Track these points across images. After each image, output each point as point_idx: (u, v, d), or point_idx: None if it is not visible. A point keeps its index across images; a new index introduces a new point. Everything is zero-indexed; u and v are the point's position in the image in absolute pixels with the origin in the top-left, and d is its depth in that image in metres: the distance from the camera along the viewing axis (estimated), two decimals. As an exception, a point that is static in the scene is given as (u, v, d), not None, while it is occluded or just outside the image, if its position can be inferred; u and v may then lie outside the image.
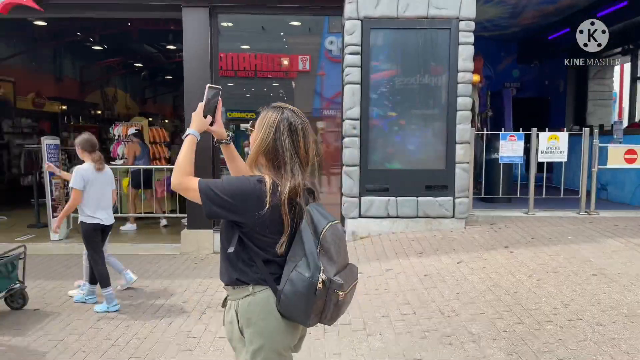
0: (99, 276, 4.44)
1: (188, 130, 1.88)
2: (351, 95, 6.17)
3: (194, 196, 1.76)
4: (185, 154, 1.83)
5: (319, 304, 1.71)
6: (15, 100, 13.85)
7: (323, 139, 7.06)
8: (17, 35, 12.97)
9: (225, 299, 1.88)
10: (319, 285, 1.68)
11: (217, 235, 6.40)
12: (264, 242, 1.75)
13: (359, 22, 6.12)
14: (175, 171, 1.81)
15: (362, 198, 6.28)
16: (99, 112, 18.33)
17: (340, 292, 1.73)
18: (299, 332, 1.87)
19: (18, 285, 4.48)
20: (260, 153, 1.79)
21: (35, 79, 15.05)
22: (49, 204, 6.98)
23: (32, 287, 5.06)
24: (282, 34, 7.05)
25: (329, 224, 1.76)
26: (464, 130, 6.23)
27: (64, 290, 4.97)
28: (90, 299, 4.64)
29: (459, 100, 6.19)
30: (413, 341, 3.55)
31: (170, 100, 23.28)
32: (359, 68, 6.16)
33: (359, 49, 6.14)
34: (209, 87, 1.93)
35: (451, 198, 6.27)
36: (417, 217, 6.27)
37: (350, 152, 6.23)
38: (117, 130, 8.66)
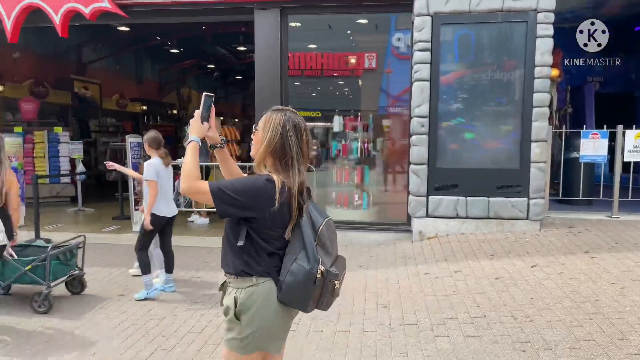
0: (140, 262, 4.68)
1: (190, 137, 2.00)
2: (420, 92, 6.08)
3: (206, 198, 1.86)
4: (191, 159, 1.94)
5: (317, 293, 1.90)
6: (101, 101, 14.95)
7: (389, 137, 7.01)
8: (103, 40, 13.98)
9: (224, 284, 2.04)
10: (318, 276, 1.86)
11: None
12: (269, 236, 1.89)
13: (429, 18, 6.01)
14: (184, 177, 1.90)
15: (430, 197, 6.16)
16: (175, 111, 19.36)
17: (336, 282, 1.93)
18: (292, 319, 2.04)
19: (77, 271, 4.83)
20: (268, 153, 1.92)
21: (119, 81, 16.16)
22: (132, 197, 7.49)
23: (116, 275, 5.47)
24: (348, 32, 7.06)
25: (325, 220, 1.96)
26: (541, 127, 5.93)
27: (144, 278, 5.32)
28: (169, 287, 4.93)
29: (536, 96, 5.91)
30: (483, 345, 3.46)
31: (240, 100, 24.06)
32: (429, 65, 6.05)
33: (428, 45, 6.03)
34: (205, 95, 2.05)
35: (525, 199, 5.99)
36: (487, 217, 6.06)
37: (418, 150, 6.13)
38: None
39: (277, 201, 1.84)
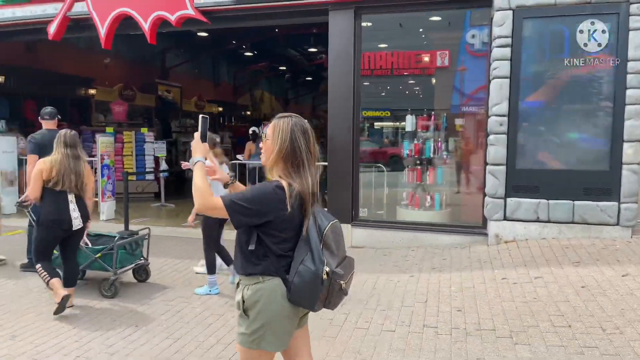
0: (207, 262, 4.85)
1: (195, 159, 2.11)
2: (499, 89, 5.85)
3: (221, 213, 1.96)
4: (201, 178, 2.04)
5: (324, 292, 1.98)
6: (182, 103, 15.80)
7: (462, 136, 6.80)
8: (184, 46, 14.80)
9: (238, 282, 2.14)
10: (324, 276, 1.94)
11: (356, 230, 6.57)
12: (280, 238, 1.99)
13: (510, 12, 5.77)
14: (197, 196, 2.00)
15: (508, 199, 5.91)
16: (248, 112, 20.04)
17: (342, 282, 2.00)
18: (298, 317, 2.12)
19: (142, 261, 5.17)
20: (280, 158, 2.00)
21: (198, 84, 17.01)
22: (209, 194, 7.86)
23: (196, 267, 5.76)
24: (420, 30, 6.92)
25: (330, 223, 2.04)
26: (634, 126, 5.49)
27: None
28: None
29: (629, 92, 5.48)
30: (568, 356, 3.27)
31: (310, 100, 24.43)
32: (508, 61, 5.80)
33: (509, 40, 5.78)
34: (201, 117, 2.20)
35: (615, 203, 5.57)
36: (572, 222, 5.70)
37: (496, 150, 5.90)
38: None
39: (288, 205, 1.93)
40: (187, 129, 15.27)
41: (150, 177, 10.58)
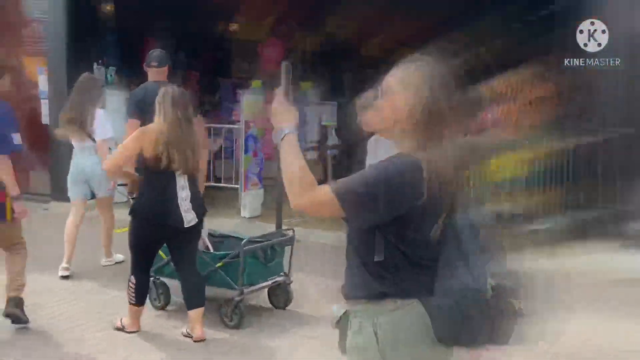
0: None
1: (283, 130, 2.14)
2: None
3: (332, 210, 2.04)
4: (297, 159, 2.09)
5: (491, 318, 2.02)
6: (361, 46, 16.12)
7: None
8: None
9: (342, 316, 2.24)
10: (488, 294, 1.99)
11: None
12: (414, 241, 2.05)
13: None
14: (294, 188, 2.05)
15: None
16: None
17: (515, 301, 2.05)
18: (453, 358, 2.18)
19: (282, 277, 5.32)
20: (411, 123, 2.06)
21: (385, 17, 17.17)
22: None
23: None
24: None
25: (489, 217, 2.17)
26: None
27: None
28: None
29: None
30: None
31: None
32: None
33: None
34: (284, 64, 2.26)
35: None
36: None
37: None
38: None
39: (425, 189, 1.96)
40: (367, 85, 15.68)
41: (313, 155, 11.00)
